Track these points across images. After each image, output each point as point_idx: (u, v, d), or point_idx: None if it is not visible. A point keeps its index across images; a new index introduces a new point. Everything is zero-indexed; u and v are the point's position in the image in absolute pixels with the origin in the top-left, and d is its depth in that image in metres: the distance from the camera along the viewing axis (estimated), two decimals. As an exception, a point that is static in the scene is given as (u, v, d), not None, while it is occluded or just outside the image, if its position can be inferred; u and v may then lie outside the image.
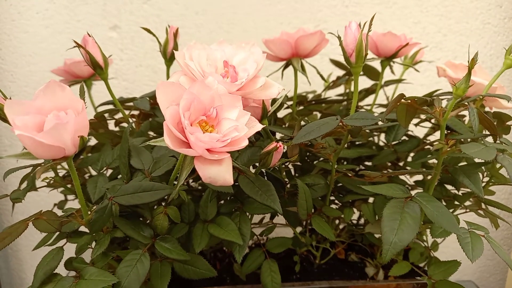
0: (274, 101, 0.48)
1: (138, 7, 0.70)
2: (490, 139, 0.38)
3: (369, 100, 0.57)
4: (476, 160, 0.43)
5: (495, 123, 0.44)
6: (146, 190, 0.30)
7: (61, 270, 0.33)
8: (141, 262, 0.30)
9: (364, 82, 0.58)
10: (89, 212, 0.31)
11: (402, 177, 0.49)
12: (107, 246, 0.30)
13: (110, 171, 0.42)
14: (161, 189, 0.30)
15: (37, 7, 0.68)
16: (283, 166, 0.45)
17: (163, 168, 0.33)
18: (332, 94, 0.60)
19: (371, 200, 0.44)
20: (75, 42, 0.35)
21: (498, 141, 0.36)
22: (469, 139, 0.38)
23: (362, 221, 0.53)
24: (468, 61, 0.32)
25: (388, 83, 0.54)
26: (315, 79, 0.57)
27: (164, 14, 0.70)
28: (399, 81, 0.55)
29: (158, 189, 0.30)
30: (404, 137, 0.49)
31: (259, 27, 0.73)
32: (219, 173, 0.27)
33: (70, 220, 0.30)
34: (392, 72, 0.52)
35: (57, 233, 0.37)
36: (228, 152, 0.27)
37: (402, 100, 0.34)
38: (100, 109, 0.47)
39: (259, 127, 0.29)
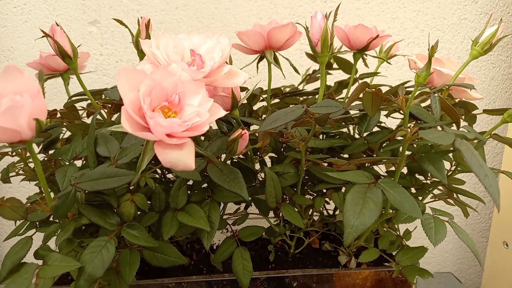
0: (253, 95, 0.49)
1: (118, 2, 0.70)
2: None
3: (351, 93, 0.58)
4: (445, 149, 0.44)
5: (462, 113, 0.45)
6: (110, 176, 0.30)
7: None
8: (106, 248, 0.30)
9: (342, 76, 0.59)
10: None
11: (376, 168, 0.50)
12: (71, 232, 0.30)
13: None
14: (125, 175, 0.30)
15: (15, 1, 0.68)
16: (256, 156, 0.46)
17: (129, 156, 0.33)
18: (311, 89, 0.61)
19: (344, 190, 0.45)
20: (42, 31, 0.35)
21: (461, 129, 0.37)
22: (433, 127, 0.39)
23: (338, 211, 0.54)
24: (427, 51, 0.33)
25: (363, 76, 0.55)
26: (295, 74, 0.58)
27: (144, 9, 0.71)
28: (374, 74, 0.56)
29: (122, 175, 0.30)
30: (377, 129, 0.50)
31: (240, 22, 0.73)
32: (180, 158, 0.27)
33: (35, 207, 0.31)
34: (366, 65, 0.53)
35: (28, 223, 0.38)
36: (190, 137, 0.28)
37: (367, 89, 0.35)
38: (75, 99, 0.47)
39: (222, 113, 0.30)
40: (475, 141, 0.42)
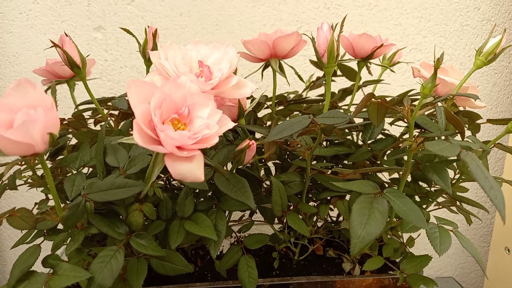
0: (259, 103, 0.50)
1: (122, 8, 0.70)
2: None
3: (355, 100, 0.58)
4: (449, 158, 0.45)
5: (466, 122, 0.45)
6: (119, 187, 0.30)
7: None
8: (115, 258, 0.30)
9: (346, 83, 0.59)
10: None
11: (380, 175, 0.50)
12: (81, 242, 0.31)
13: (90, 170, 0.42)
14: (134, 186, 0.30)
15: (20, 8, 0.68)
16: (261, 164, 0.46)
17: (138, 166, 0.33)
18: (314, 94, 0.61)
19: (348, 197, 0.45)
20: (52, 41, 0.35)
21: (466, 139, 0.37)
22: (437, 137, 0.39)
23: (341, 218, 0.55)
24: (434, 61, 0.33)
25: (367, 83, 0.56)
26: (299, 79, 0.58)
27: (148, 16, 0.71)
28: (377, 81, 0.56)
29: (131, 186, 0.30)
30: (381, 136, 0.50)
31: (244, 29, 0.74)
32: (190, 170, 0.27)
33: (45, 217, 0.31)
34: (370, 73, 0.53)
35: (35, 231, 0.38)
36: (199, 149, 0.28)
37: (373, 100, 0.35)
38: (82, 108, 0.48)
39: (230, 125, 0.30)
40: (479, 149, 0.42)
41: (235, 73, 0.54)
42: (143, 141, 0.26)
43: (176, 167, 0.27)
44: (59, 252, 0.35)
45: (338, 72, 0.57)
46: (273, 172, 0.50)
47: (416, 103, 0.38)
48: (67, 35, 0.36)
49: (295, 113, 0.56)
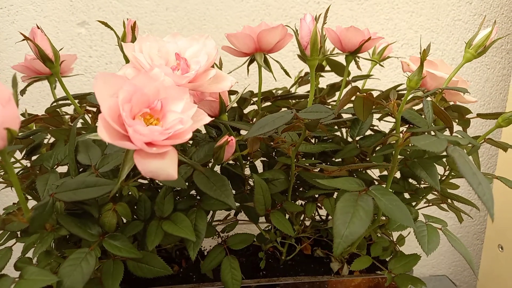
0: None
1: (107, 3, 0.69)
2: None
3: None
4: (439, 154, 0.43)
5: (456, 117, 0.44)
6: (89, 185, 0.29)
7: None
8: (86, 260, 0.29)
9: (336, 79, 0.58)
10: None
11: (370, 172, 0.49)
12: (49, 244, 0.29)
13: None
14: (106, 185, 0.29)
15: (1, 3, 0.66)
16: (246, 162, 0.45)
17: (111, 164, 0.32)
18: (304, 91, 0.60)
19: (336, 196, 0.44)
20: (22, 34, 0.34)
21: (454, 134, 0.36)
22: (426, 132, 0.38)
23: (330, 217, 0.53)
24: (419, 54, 0.32)
25: (356, 78, 0.54)
26: (289, 77, 0.57)
27: (134, 10, 0.69)
28: (367, 76, 0.55)
29: (102, 185, 0.29)
30: (370, 132, 0.49)
31: (231, 24, 0.72)
32: (162, 167, 0.26)
33: (11, 218, 0.29)
34: (358, 67, 0.52)
35: (8, 233, 0.36)
36: (172, 145, 0.27)
37: (358, 94, 0.34)
38: (60, 103, 0.46)
39: (206, 119, 0.29)
40: (469, 145, 0.41)
41: (220, 68, 0.52)
42: (110, 136, 0.24)
43: (145, 164, 0.25)
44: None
45: (327, 68, 0.55)
46: (260, 170, 0.48)
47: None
48: (38, 28, 0.35)
49: (282, 109, 0.54)
